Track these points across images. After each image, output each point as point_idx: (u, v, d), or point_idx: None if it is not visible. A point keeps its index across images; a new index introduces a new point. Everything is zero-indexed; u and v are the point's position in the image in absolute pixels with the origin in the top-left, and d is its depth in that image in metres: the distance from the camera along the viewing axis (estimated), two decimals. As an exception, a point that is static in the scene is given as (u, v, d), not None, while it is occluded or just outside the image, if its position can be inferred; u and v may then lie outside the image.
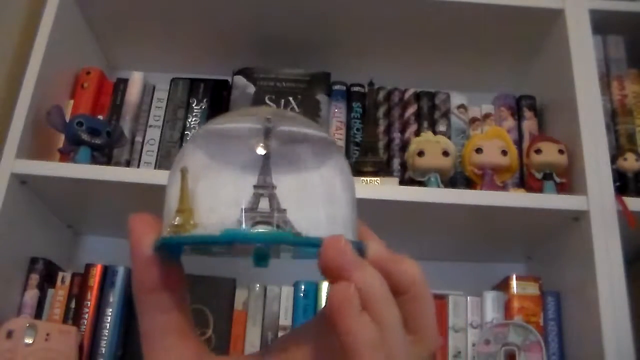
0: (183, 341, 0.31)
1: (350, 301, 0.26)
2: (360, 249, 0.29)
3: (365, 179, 0.94)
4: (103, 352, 0.90)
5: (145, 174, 0.93)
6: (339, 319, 0.26)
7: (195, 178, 0.29)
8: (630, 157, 0.97)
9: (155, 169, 1.02)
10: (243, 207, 0.28)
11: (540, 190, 0.95)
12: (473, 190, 0.94)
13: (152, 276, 0.30)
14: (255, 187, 0.29)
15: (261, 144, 0.30)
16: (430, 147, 0.96)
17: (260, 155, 0.29)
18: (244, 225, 0.28)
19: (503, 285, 0.98)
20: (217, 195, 0.29)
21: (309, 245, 0.28)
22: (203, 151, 0.32)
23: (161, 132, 1.05)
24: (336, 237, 0.27)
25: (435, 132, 1.04)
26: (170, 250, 0.30)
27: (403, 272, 0.29)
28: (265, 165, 0.29)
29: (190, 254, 0.31)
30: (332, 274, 0.27)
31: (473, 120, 1.10)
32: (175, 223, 0.29)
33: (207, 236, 0.28)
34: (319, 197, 0.30)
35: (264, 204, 0.28)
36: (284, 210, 0.28)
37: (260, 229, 0.28)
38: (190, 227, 0.28)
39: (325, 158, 0.32)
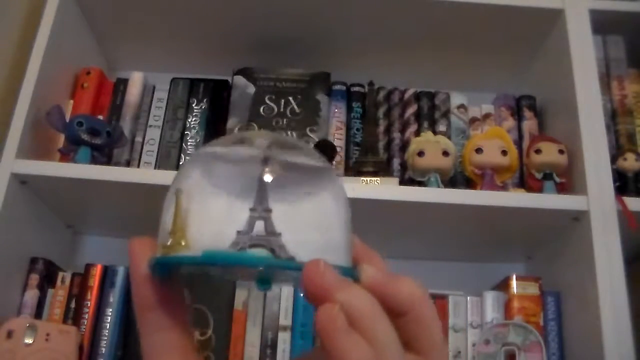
0: None
1: (335, 321, 0.26)
2: (351, 274, 0.29)
3: (365, 179, 0.94)
4: (103, 352, 0.90)
5: (145, 174, 0.93)
6: (326, 340, 0.26)
7: (191, 200, 0.30)
8: (630, 157, 0.97)
9: (155, 169, 1.02)
10: (238, 230, 0.28)
11: (540, 190, 0.95)
12: (473, 190, 0.94)
13: (149, 295, 0.31)
14: (251, 210, 0.29)
15: (260, 170, 0.30)
16: (430, 147, 0.96)
17: (257, 180, 0.30)
18: (248, 249, 0.28)
19: (503, 285, 0.97)
20: (211, 217, 0.29)
21: (289, 269, 0.28)
22: (200, 174, 0.32)
23: (161, 132, 1.05)
24: (315, 261, 0.27)
25: (435, 132, 1.04)
26: (162, 271, 0.30)
27: (401, 292, 0.29)
28: (261, 189, 0.29)
29: (191, 275, 0.31)
30: (315, 298, 0.27)
31: (473, 120, 1.10)
32: (168, 244, 0.29)
33: (188, 257, 0.28)
34: (314, 222, 0.30)
35: (259, 228, 0.28)
36: (279, 234, 0.28)
37: (254, 252, 0.28)
38: (181, 248, 0.28)
39: (322, 184, 0.32)
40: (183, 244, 0.28)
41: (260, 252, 0.28)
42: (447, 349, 0.29)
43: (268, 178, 0.30)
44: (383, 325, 0.27)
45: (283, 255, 0.28)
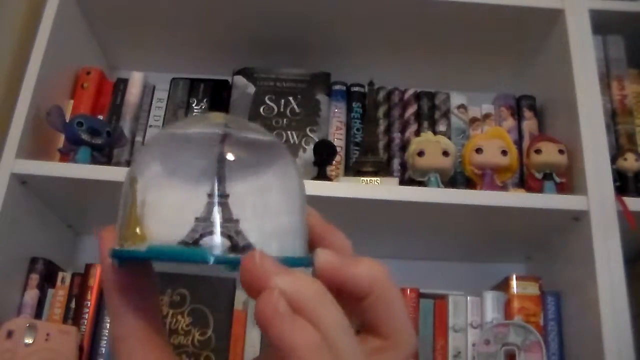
0: (146, 347, 0.31)
1: (274, 306, 0.24)
2: (305, 261, 0.28)
3: (365, 179, 0.94)
4: (103, 352, 0.90)
5: (145, 174, 0.92)
6: (269, 329, 0.24)
7: (147, 188, 0.29)
8: (630, 157, 0.97)
9: (155, 169, 1.02)
10: (196, 217, 0.27)
11: (540, 190, 0.95)
12: (473, 190, 0.94)
13: (113, 280, 0.31)
14: (209, 195, 0.28)
15: (218, 150, 0.29)
16: (430, 147, 0.96)
17: (215, 162, 0.28)
18: (206, 236, 0.27)
19: (503, 285, 0.97)
20: (169, 205, 0.28)
21: (228, 264, 0.27)
22: (155, 159, 0.31)
23: (161, 132, 1.05)
24: (251, 253, 0.26)
25: (435, 132, 1.04)
26: (119, 260, 0.29)
27: (359, 275, 0.28)
28: (219, 173, 0.28)
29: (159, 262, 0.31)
30: (253, 289, 0.25)
31: (473, 120, 1.10)
32: (124, 234, 0.28)
33: (133, 252, 0.27)
34: (271, 206, 0.29)
35: (217, 214, 0.27)
36: (237, 220, 0.27)
37: (211, 240, 0.27)
38: (137, 239, 0.27)
39: (277, 165, 0.31)
40: (139, 233, 0.28)
41: (216, 241, 0.27)
42: (413, 333, 0.28)
43: (227, 158, 0.29)
44: (329, 308, 0.25)
45: (241, 242, 0.27)
